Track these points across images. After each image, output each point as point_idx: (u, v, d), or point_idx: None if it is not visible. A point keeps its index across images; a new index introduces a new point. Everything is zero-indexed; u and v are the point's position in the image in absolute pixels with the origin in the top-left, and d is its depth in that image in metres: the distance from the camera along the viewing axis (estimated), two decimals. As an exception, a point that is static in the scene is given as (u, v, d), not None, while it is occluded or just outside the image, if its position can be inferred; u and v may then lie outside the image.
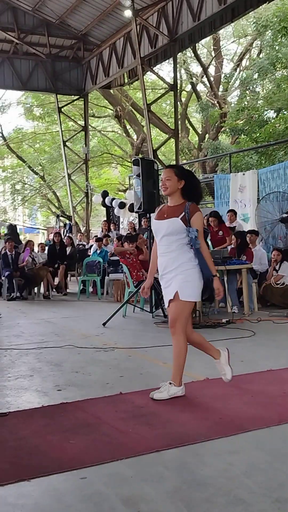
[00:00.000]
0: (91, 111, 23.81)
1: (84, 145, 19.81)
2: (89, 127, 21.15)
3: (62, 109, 19.77)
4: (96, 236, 15.60)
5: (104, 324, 7.75)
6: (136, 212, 9.41)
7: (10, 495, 2.63)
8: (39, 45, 17.96)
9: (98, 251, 12.80)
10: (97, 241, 13.27)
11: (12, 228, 15.64)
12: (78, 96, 19.33)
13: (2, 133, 27.09)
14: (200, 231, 4.11)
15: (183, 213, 4.10)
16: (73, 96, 19.47)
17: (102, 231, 15.11)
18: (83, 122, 20.16)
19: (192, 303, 4.21)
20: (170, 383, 4.11)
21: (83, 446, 3.21)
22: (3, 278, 11.80)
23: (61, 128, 20.24)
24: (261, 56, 20.78)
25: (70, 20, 17.04)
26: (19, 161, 28.37)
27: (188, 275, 4.09)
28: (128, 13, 14.09)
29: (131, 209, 14.32)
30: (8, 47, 17.82)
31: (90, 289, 12.47)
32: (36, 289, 12.29)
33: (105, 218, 17.85)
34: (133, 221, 14.68)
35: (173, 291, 4.12)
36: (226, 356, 4.27)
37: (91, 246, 14.48)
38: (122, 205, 15.91)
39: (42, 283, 12.14)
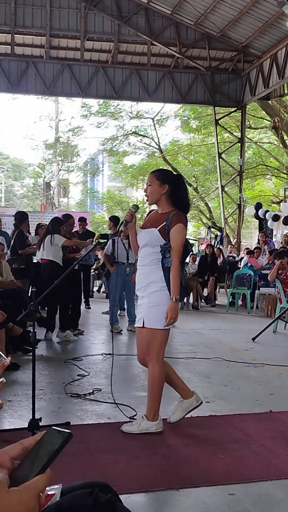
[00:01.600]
0: (248, 123, 23.62)
1: (239, 157, 19.71)
2: (245, 138, 20.96)
3: (219, 121, 19.86)
4: (247, 248, 15.40)
5: (253, 339, 7.63)
6: (291, 225, 9.14)
7: (159, 502, 2.68)
8: (199, 59, 18.21)
9: (249, 264, 12.64)
10: (248, 253, 13.11)
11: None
12: (236, 108, 19.29)
13: (159, 146, 27.86)
14: (176, 248, 3.51)
15: (164, 224, 3.56)
16: (230, 108, 19.47)
17: (259, 242, 14.88)
18: (239, 134, 20.06)
19: (164, 330, 3.62)
20: (143, 417, 3.68)
21: (231, 462, 3.18)
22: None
23: (217, 140, 20.29)
24: None
25: (231, 32, 17.08)
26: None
27: (155, 298, 3.57)
28: (291, 22, 13.83)
29: (286, 222, 13.95)
30: (169, 62, 18.33)
31: (239, 302, 12.35)
32: (185, 298, 12.44)
33: (256, 230, 17.54)
34: (287, 235, 14.27)
35: (140, 317, 3.66)
36: (193, 406, 3.82)
37: (242, 258, 14.33)
38: (276, 218, 15.56)
39: (191, 293, 12.27)
